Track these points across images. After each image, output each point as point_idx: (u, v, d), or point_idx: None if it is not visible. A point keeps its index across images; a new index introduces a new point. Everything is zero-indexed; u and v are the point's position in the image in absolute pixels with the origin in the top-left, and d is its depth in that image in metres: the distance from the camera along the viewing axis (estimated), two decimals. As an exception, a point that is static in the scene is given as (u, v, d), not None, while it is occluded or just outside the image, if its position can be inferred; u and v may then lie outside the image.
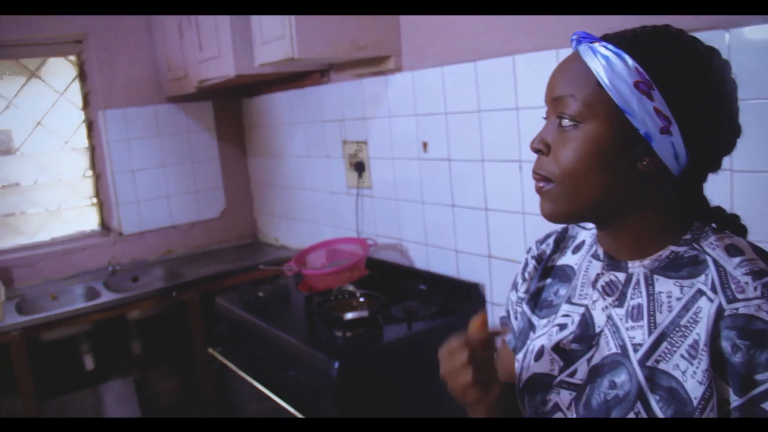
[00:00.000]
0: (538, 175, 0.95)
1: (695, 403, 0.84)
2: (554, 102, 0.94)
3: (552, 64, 1.82)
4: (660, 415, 0.86)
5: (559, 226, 1.16)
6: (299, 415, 2.19)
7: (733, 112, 0.93)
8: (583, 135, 0.90)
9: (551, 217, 0.96)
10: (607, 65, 0.88)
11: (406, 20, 2.56)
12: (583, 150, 0.90)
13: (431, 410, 2.33)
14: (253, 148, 4.04)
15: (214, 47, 2.99)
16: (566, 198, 0.92)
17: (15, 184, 3.60)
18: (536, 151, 0.96)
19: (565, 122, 0.91)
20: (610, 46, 0.90)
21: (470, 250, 2.46)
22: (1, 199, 3.56)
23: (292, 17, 2.34)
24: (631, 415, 0.88)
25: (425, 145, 2.57)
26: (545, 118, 0.98)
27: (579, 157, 0.90)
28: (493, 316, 2.41)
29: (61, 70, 3.69)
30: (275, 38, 2.47)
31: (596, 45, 0.91)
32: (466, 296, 2.46)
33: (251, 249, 4.00)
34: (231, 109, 4.04)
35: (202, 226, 4.02)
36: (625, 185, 0.91)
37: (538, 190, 0.96)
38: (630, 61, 0.87)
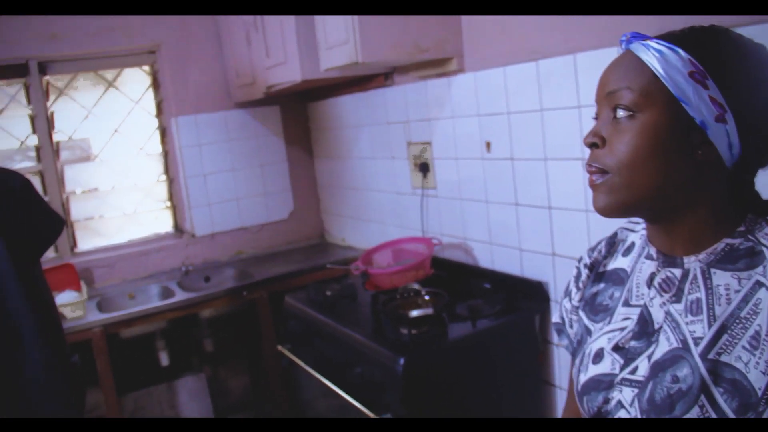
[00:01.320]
0: (594, 168, 0.96)
1: (759, 393, 0.84)
2: (608, 96, 0.95)
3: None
4: (725, 407, 0.86)
5: (609, 230, 1.18)
6: (365, 410, 2.23)
7: None
8: (639, 125, 0.91)
9: (606, 210, 0.96)
10: (661, 57, 0.90)
11: (467, 22, 2.59)
12: (641, 139, 0.91)
13: (495, 406, 2.36)
14: (320, 150, 4.12)
15: (280, 54, 3.07)
16: (623, 189, 0.93)
17: (94, 189, 3.76)
18: (591, 145, 0.97)
19: (621, 113, 0.93)
20: (662, 42, 0.92)
21: (534, 249, 2.48)
22: (81, 203, 3.72)
23: (357, 22, 2.39)
24: (696, 409, 0.88)
25: (488, 144, 2.60)
26: (595, 118, 0.99)
27: (636, 146, 0.91)
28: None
29: (136, 80, 3.84)
30: (340, 43, 2.53)
31: (648, 42, 0.93)
32: (531, 294, 2.47)
33: (318, 249, 4.07)
34: (297, 113, 4.13)
35: (271, 228, 4.12)
36: (681, 176, 0.92)
37: (592, 184, 0.97)
38: (683, 53, 0.90)
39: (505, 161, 2.53)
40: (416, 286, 2.56)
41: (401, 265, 2.71)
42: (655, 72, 0.91)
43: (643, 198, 0.93)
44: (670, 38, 0.93)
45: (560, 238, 2.35)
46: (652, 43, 0.92)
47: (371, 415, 2.20)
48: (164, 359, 3.53)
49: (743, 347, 0.87)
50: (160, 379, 3.61)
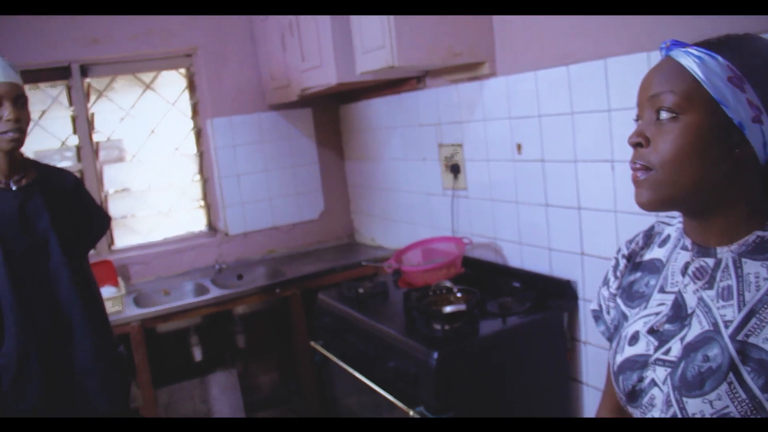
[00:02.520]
0: (638, 165, 1.03)
1: None
2: (651, 99, 1.02)
3: (643, 66, 1.90)
4: (752, 385, 0.93)
5: (645, 225, 1.25)
6: (398, 403, 2.30)
7: None
8: (682, 126, 0.98)
9: (648, 204, 1.03)
10: (701, 63, 0.98)
11: (499, 27, 2.65)
12: (684, 138, 0.98)
13: (524, 401, 2.42)
14: (351, 152, 4.20)
15: (316, 57, 3.16)
16: (666, 185, 1.00)
17: (130, 189, 3.87)
18: (636, 144, 1.04)
19: (664, 115, 1.00)
20: (701, 49, 0.99)
21: (563, 248, 2.54)
22: (118, 202, 3.82)
23: (393, 27, 2.47)
24: (724, 385, 0.95)
25: (519, 146, 2.66)
26: (636, 120, 1.07)
27: (679, 146, 0.98)
28: (585, 311, 2.48)
29: (172, 83, 3.94)
30: (376, 47, 2.60)
31: (688, 49, 1.00)
32: (559, 293, 2.53)
33: (348, 249, 4.15)
34: (329, 115, 4.22)
35: (302, 227, 4.21)
36: (720, 172, 0.99)
37: (635, 180, 1.04)
38: (721, 59, 0.97)
39: (535, 163, 2.59)
40: (448, 284, 2.62)
41: (434, 263, 2.77)
42: (696, 77, 0.98)
43: (684, 193, 1.01)
44: (708, 45, 1.00)
45: (589, 238, 2.41)
46: (692, 50, 1.00)
47: (404, 408, 2.27)
48: (198, 354, 3.63)
49: None
50: (194, 374, 3.70)
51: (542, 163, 2.56)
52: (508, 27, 2.62)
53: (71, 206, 2.28)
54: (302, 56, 3.30)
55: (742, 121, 0.96)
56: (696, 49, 1.00)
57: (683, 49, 1.01)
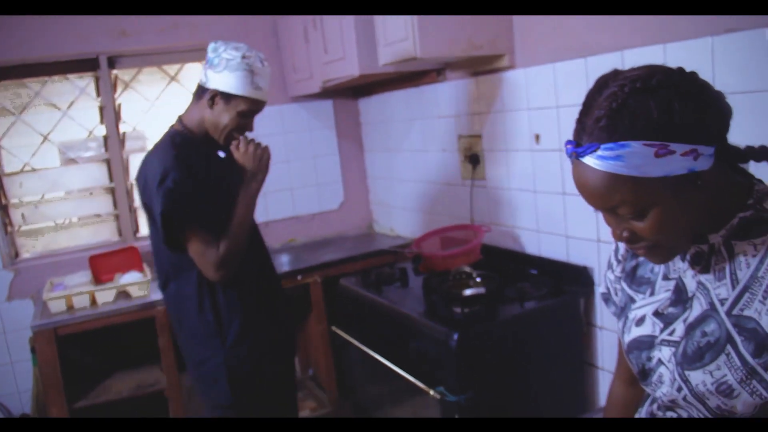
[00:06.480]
0: (638, 247, 1.10)
1: None
2: (609, 210, 1.06)
3: (658, 58, 1.95)
4: (744, 351, 1.04)
5: None
6: (419, 384, 2.38)
7: (721, 108, 1.05)
8: (653, 216, 1.02)
9: (663, 262, 1.16)
10: (624, 162, 0.98)
11: (519, 21, 2.72)
12: (662, 223, 1.03)
13: (541, 384, 2.50)
14: (370, 143, 4.28)
15: (339, 50, 3.23)
16: (670, 247, 1.09)
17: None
18: (625, 240, 1.09)
19: (633, 216, 1.04)
20: (611, 146, 0.98)
21: (580, 235, 2.60)
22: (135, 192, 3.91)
23: (416, 20, 2.54)
24: (722, 357, 1.06)
25: (537, 137, 2.73)
26: (602, 212, 1.10)
27: (662, 229, 1.03)
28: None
29: (196, 75, 4.02)
30: (399, 40, 2.67)
31: (599, 152, 1.00)
32: (575, 279, 2.60)
33: (368, 238, 4.23)
34: (349, 107, 4.30)
35: (323, 217, 4.30)
36: (700, 205, 1.05)
37: (642, 254, 1.11)
38: (635, 144, 0.97)
39: (553, 152, 2.66)
40: (467, 269, 2.70)
41: (455, 248, 2.84)
42: (631, 176, 0.99)
43: (687, 240, 1.11)
44: (610, 133, 0.99)
45: (605, 225, 2.45)
46: (606, 152, 0.99)
47: (424, 387, 2.35)
48: (220, 339, 3.70)
49: (759, 300, 1.05)
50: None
51: (560, 152, 2.62)
52: (527, 21, 2.68)
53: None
54: (325, 49, 3.37)
55: (690, 167, 0.99)
56: (608, 150, 0.99)
57: (595, 155, 1.00)
